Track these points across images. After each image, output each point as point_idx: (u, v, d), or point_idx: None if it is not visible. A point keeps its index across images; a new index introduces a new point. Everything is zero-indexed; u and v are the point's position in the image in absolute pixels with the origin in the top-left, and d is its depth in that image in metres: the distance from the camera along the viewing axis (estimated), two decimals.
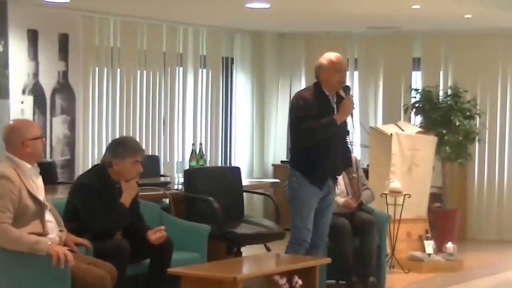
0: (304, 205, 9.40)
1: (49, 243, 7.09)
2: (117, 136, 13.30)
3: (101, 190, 8.23)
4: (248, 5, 12.52)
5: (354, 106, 9.30)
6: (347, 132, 9.79)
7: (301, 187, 9.40)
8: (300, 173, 9.42)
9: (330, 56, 9.41)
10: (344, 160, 9.68)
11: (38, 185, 7.42)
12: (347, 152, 9.75)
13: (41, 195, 7.38)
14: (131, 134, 13.71)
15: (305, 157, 9.39)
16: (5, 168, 7.22)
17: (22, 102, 12.51)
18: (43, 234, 7.22)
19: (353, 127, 10.28)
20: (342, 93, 9.39)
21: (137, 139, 13.54)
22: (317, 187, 9.35)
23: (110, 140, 13.02)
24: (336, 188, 9.83)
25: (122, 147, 8.41)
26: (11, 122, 7.90)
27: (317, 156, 9.28)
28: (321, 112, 9.13)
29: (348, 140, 9.77)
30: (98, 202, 8.16)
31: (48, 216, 7.41)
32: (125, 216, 8.24)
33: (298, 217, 9.46)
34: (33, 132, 7.42)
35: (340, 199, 10.47)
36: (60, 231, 7.51)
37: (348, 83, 15.74)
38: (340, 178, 10.04)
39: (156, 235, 8.27)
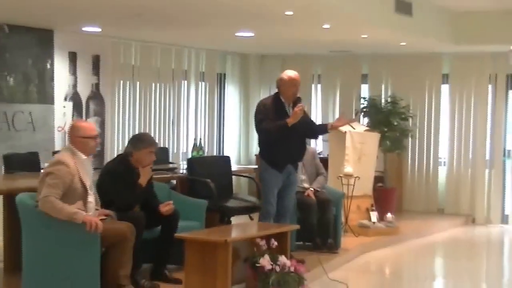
0: (266, 184, 9.47)
1: (84, 214, 7.08)
2: (137, 133, 13.33)
3: (123, 173, 8.21)
4: (237, 34, 12.54)
5: (303, 113, 9.17)
6: (312, 126, 9.80)
7: (265, 170, 9.48)
8: (264, 160, 9.50)
9: (289, 73, 9.47)
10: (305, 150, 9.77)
11: (89, 172, 7.46)
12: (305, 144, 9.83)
13: (88, 181, 7.39)
14: (147, 131, 13.68)
15: (267, 148, 9.49)
16: (65, 156, 7.29)
17: (64, 107, 12.46)
18: (84, 211, 7.23)
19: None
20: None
21: (152, 135, 13.65)
22: (277, 170, 9.35)
23: (131, 136, 13.08)
24: (301, 175, 10.03)
25: (140, 140, 8.43)
26: (75, 121, 7.98)
27: (275, 147, 9.32)
28: (277, 115, 9.18)
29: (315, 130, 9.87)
30: (121, 183, 8.13)
31: (91, 197, 7.43)
32: (142, 194, 8.24)
33: (263, 193, 9.60)
34: (90, 131, 7.49)
35: (305, 185, 10.70)
36: (96, 209, 7.50)
37: (313, 93, 15.92)
38: (302, 167, 10.14)
39: (166, 207, 8.29)
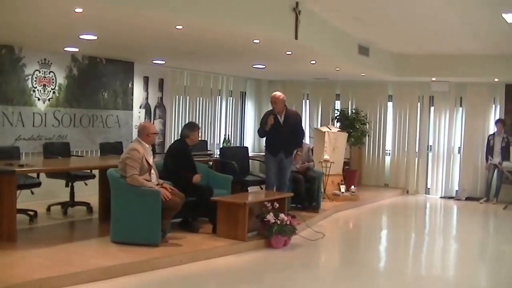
0: (267, 164, 9.53)
1: (157, 187, 7.34)
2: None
3: (182, 150, 8.33)
4: (254, 66, 12.44)
5: (272, 121, 9.20)
6: (302, 133, 9.72)
7: (266, 155, 9.53)
8: (265, 148, 9.62)
9: (273, 94, 9.52)
10: (295, 145, 9.51)
11: (150, 155, 7.52)
12: (296, 141, 9.53)
13: (151, 160, 7.46)
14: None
15: (266, 141, 9.61)
16: (136, 145, 7.41)
17: (139, 113, 12.42)
18: (149, 180, 7.37)
19: (304, 128, 10.24)
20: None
21: None
22: (272, 156, 9.38)
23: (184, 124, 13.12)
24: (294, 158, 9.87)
25: (194, 125, 8.56)
26: (143, 123, 8.16)
27: (270, 141, 9.44)
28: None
29: (299, 136, 9.62)
30: (183, 157, 8.30)
31: (153, 171, 7.50)
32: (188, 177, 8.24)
33: (265, 170, 9.68)
34: (153, 130, 7.66)
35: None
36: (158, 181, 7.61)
37: (303, 106, 15.84)
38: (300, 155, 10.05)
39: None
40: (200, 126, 13.86)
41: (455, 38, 11.00)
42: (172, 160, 8.23)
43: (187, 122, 13.43)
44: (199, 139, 8.54)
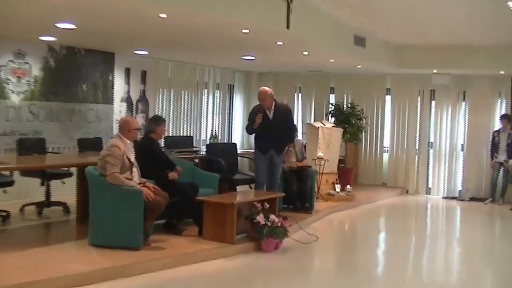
0: (256, 162, 9.51)
1: (139, 186, 7.30)
2: (171, 126, 13.43)
3: (149, 148, 8.27)
4: (243, 57, 12.44)
5: (260, 120, 9.18)
6: (294, 127, 9.92)
7: (255, 153, 9.51)
8: (255, 146, 9.54)
9: (260, 89, 9.53)
10: (286, 140, 9.67)
11: (132, 152, 7.50)
12: (288, 137, 9.68)
13: (132, 157, 7.44)
14: (179, 127, 13.79)
15: (255, 138, 9.53)
16: (117, 141, 7.37)
17: (120, 106, 12.44)
18: (131, 179, 7.33)
19: (296, 123, 10.32)
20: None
21: (182, 128, 13.74)
22: (262, 154, 9.36)
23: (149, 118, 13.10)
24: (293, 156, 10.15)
25: (159, 119, 8.54)
26: (124, 117, 8.19)
27: (260, 138, 9.40)
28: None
29: (291, 132, 9.79)
30: (153, 156, 8.23)
31: (135, 169, 7.47)
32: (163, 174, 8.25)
33: (254, 169, 9.65)
34: (135, 125, 7.61)
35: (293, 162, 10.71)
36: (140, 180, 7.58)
37: (295, 100, 15.85)
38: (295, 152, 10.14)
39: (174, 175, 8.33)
40: (185, 121, 14.00)
41: (457, 28, 11.03)
42: (143, 160, 8.11)
43: (171, 116, 13.59)
44: (166, 133, 8.61)
